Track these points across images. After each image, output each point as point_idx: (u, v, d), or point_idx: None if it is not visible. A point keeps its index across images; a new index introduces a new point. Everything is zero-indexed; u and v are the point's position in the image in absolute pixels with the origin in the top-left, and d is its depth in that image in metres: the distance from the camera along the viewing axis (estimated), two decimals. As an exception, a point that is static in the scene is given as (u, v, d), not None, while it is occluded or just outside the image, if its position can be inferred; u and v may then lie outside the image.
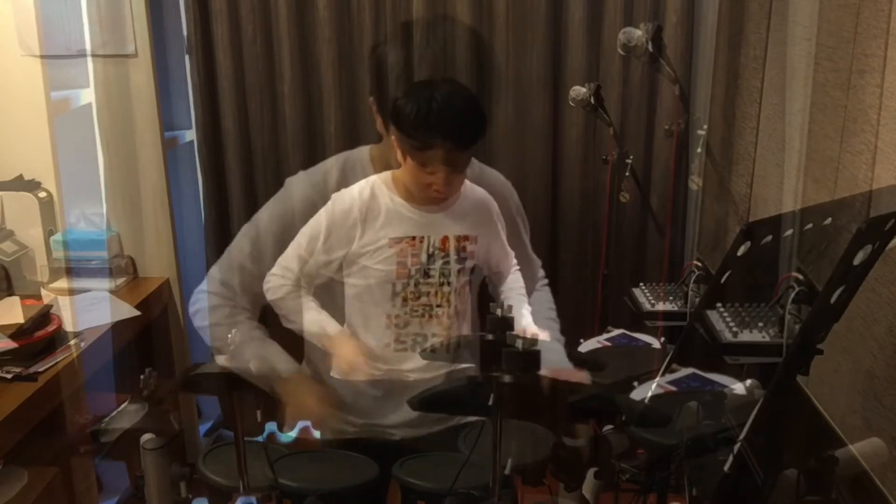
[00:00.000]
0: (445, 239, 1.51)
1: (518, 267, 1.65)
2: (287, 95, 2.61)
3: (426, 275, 1.51)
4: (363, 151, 1.64)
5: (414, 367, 1.53)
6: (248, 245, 1.60)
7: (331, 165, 1.63)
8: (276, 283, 1.51)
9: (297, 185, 1.61)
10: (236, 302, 1.61)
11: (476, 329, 1.63)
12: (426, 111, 1.39)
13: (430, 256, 1.50)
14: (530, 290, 1.71)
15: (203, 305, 1.61)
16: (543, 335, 1.55)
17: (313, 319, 1.50)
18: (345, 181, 1.56)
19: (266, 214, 1.61)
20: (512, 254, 1.64)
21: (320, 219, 1.50)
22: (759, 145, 2.06)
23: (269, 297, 1.53)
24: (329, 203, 1.50)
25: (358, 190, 1.50)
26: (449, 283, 1.52)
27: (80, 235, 2.43)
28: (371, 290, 1.51)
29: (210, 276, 1.64)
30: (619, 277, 2.59)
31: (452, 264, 1.52)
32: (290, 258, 1.51)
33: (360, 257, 1.49)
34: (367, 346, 1.54)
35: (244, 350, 1.56)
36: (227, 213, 2.76)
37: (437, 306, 1.52)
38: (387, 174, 1.52)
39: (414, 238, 1.49)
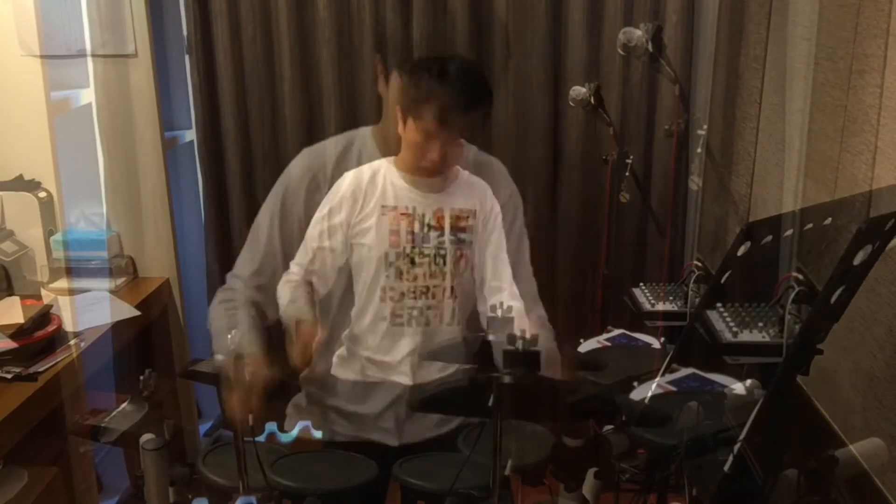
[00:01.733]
0: (441, 215, 1.52)
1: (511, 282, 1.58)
2: (287, 95, 2.61)
3: (420, 250, 1.52)
4: (366, 130, 1.68)
5: (410, 352, 1.54)
6: (262, 230, 1.64)
7: (333, 139, 1.68)
8: (284, 283, 1.51)
9: (299, 159, 1.67)
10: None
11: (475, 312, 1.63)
12: (432, 60, 1.43)
13: (425, 231, 1.51)
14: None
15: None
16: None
17: (291, 300, 1.47)
18: (346, 153, 1.61)
19: (271, 196, 1.66)
20: (506, 260, 1.58)
21: (325, 199, 1.54)
22: (759, 145, 2.06)
23: (280, 301, 1.50)
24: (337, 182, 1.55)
25: (365, 170, 1.54)
26: (444, 259, 1.52)
27: (80, 235, 2.44)
28: (367, 261, 1.52)
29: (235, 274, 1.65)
30: (619, 277, 2.59)
31: (447, 237, 1.52)
32: (300, 252, 1.53)
33: (357, 226, 1.51)
34: (364, 341, 1.55)
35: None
36: (227, 213, 2.76)
37: (432, 279, 1.53)
38: (391, 159, 1.54)
39: (407, 209, 1.51)
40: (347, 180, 1.53)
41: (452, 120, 1.42)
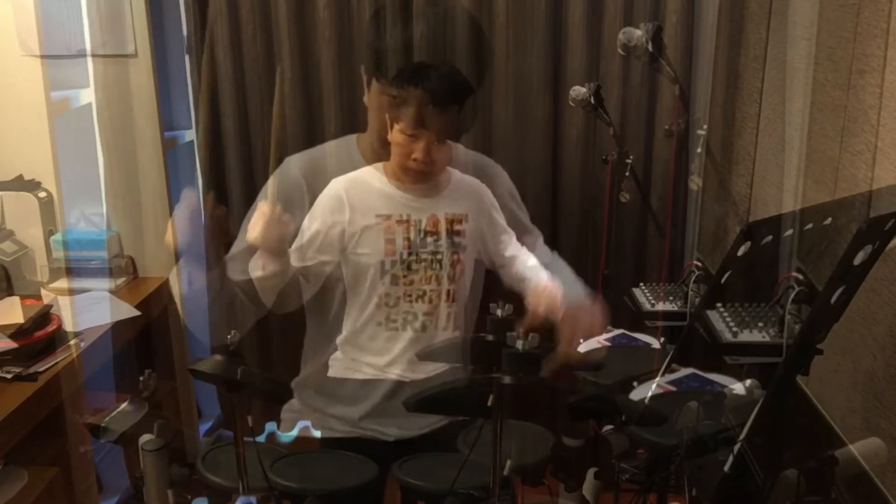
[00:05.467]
0: (436, 220, 1.53)
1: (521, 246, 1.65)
2: (287, 95, 2.61)
3: (416, 256, 1.52)
4: (351, 139, 1.69)
5: (404, 350, 1.54)
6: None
7: (318, 148, 1.69)
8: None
9: (287, 165, 1.66)
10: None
11: (473, 312, 1.66)
12: (409, 65, 1.47)
13: (421, 237, 1.52)
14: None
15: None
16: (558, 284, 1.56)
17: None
18: (330, 162, 1.61)
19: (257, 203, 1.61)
20: (513, 234, 1.64)
21: (314, 208, 1.53)
22: (759, 145, 2.06)
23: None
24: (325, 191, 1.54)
25: (352, 177, 1.55)
26: (440, 264, 1.54)
27: (80, 235, 2.43)
28: (362, 270, 1.53)
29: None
30: (619, 277, 2.59)
31: (444, 243, 1.53)
32: (293, 256, 1.52)
33: (352, 239, 1.52)
34: (359, 344, 1.56)
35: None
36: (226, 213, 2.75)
37: (428, 284, 1.54)
38: (379, 164, 1.56)
39: (402, 217, 1.52)
40: (336, 188, 1.53)
41: (429, 120, 1.45)
